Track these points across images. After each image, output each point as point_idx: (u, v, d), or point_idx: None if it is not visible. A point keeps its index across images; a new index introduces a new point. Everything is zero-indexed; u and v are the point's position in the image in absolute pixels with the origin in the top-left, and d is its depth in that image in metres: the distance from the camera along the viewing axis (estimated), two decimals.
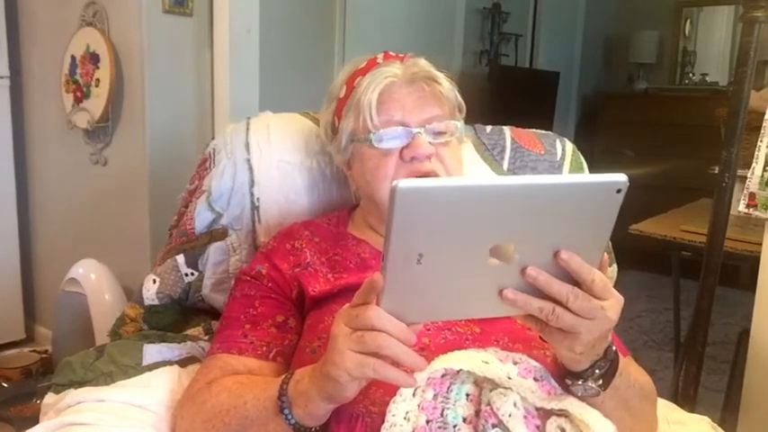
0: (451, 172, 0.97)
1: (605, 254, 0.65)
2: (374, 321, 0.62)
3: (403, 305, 0.63)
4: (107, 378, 0.99)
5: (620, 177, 0.58)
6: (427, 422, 0.73)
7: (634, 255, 2.18)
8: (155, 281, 1.18)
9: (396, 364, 0.64)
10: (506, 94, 3.74)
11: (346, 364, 0.64)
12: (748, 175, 1.33)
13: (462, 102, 1.03)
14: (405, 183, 0.55)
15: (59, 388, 1.00)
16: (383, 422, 0.74)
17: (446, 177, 0.95)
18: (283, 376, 0.77)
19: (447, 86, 0.99)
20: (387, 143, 0.95)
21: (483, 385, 0.76)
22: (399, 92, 0.95)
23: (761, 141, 1.32)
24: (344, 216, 1.10)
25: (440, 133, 0.96)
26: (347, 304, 0.67)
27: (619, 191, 0.58)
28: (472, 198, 0.57)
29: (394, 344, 0.62)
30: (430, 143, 0.95)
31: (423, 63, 1.00)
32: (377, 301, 0.63)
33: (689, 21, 4.60)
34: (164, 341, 1.09)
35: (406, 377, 0.65)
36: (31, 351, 2.33)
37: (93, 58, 2.02)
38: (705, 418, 1.05)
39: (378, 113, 0.95)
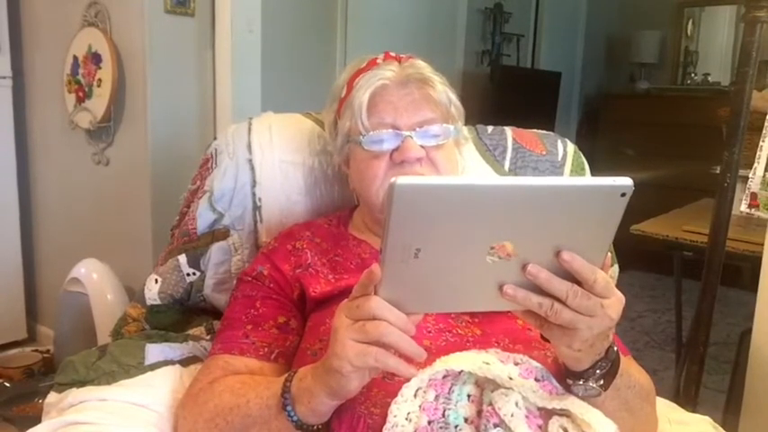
0: (444, 175, 0.96)
1: (608, 254, 0.65)
2: (375, 311, 0.63)
3: (401, 297, 0.64)
4: (109, 377, 0.99)
5: (626, 181, 0.58)
6: (429, 423, 0.73)
7: (636, 255, 2.18)
8: (157, 281, 1.18)
9: (397, 354, 0.65)
10: (508, 94, 3.75)
11: (348, 353, 0.65)
12: (750, 176, 1.33)
13: (459, 105, 1.02)
14: (403, 179, 0.55)
15: (61, 387, 1.00)
16: (384, 423, 0.74)
17: (445, 176, 0.95)
18: (286, 374, 0.78)
19: (440, 89, 0.97)
20: (376, 146, 0.95)
21: (484, 386, 0.77)
22: (391, 94, 0.95)
23: (762, 141, 1.32)
24: (345, 216, 1.10)
25: (432, 136, 0.96)
26: (347, 298, 0.67)
27: (623, 194, 0.58)
28: (472, 197, 0.57)
29: (395, 332, 0.63)
30: (421, 146, 0.95)
31: (419, 65, 0.99)
32: (375, 293, 0.64)
33: (691, 20, 4.60)
34: (166, 341, 1.09)
35: (407, 366, 0.66)
36: (33, 351, 2.33)
37: (95, 59, 2.03)
38: (706, 418, 1.05)
39: (368, 116, 0.95)
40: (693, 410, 1.12)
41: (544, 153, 1.28)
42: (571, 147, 1.31)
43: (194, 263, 1.17)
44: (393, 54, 1.02)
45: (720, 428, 1.01)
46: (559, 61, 4.43)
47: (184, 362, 1.05)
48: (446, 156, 0.98)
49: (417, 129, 0.95)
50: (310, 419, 0.74)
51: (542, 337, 0.70)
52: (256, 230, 1.19)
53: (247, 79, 2.09)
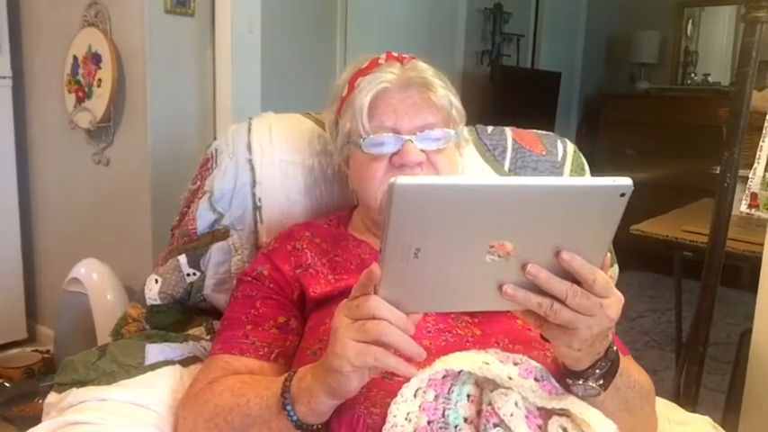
0: None
1: (607, 254, 0.65)
2: (374, 310, 0.63)
3: (400, 296, 0.64)
4: (109, 377, 0.99)
5: (625, 181, 0.58)
6: (428, 423, 0.73)
7: (636, 255, 2.18)
8: (157, 281, 1.18)
9: (396, 354, 0.65)
10: (508, 95, 3.75)
11: (348, 353, 0.65)
12: (750, 176, 1.33)
13: (461, 108, 1.01)
14: (402, 180, 0.55)
15: (61, 387, 1.00)
16: (384, 423, 0.74)
17: (444, 176, 0.95)
18: (286, 374, 0.78)
19: (441, 93, 0.97)
20: (376, 149, 0.95)
21: (484, 386, 0.77)
22: (392, 98, 0.95)
23: (762, 141, 1.32)
24: (345, 216, 1.10)
25: (433, 140, 0.96)
26: (347, 298, 0.68)
27: (623, 195, 0.58)
28: (470, 197, 0.57)
29: (395, 331, 0.64)
30: (422, 150, 0.94)
31: (421, 67, 0.98)
32: (374, 292, 0.64)
33: (691, 20, 4.60)
34: (166, 341, 1.09)
35: (407, 366, 0.66)
36: (33, 351, 2.33)
37: (95, 59, 2.03)
38: (706, 417, 1.05)
39: (369, 119, 0.95)
40: (693, 410, 1.12)
41: (544, 153, 1.28)
42: (571, 147, 1.31)
43: (194, 263, 1.18)
44: (395, 54, 1.01)
45: (720, 428, 1.01)
46: (559, 61, 4.43)
47: (184, 362, 1.05)
48: (447, 159, 0.98)
49: (418, 133, 0.94)
50: (310, 419, 0.74)
51: (542, 336, 0.70)
52: (256, 230, 1.19)
53: (247, 79, 2.09)
